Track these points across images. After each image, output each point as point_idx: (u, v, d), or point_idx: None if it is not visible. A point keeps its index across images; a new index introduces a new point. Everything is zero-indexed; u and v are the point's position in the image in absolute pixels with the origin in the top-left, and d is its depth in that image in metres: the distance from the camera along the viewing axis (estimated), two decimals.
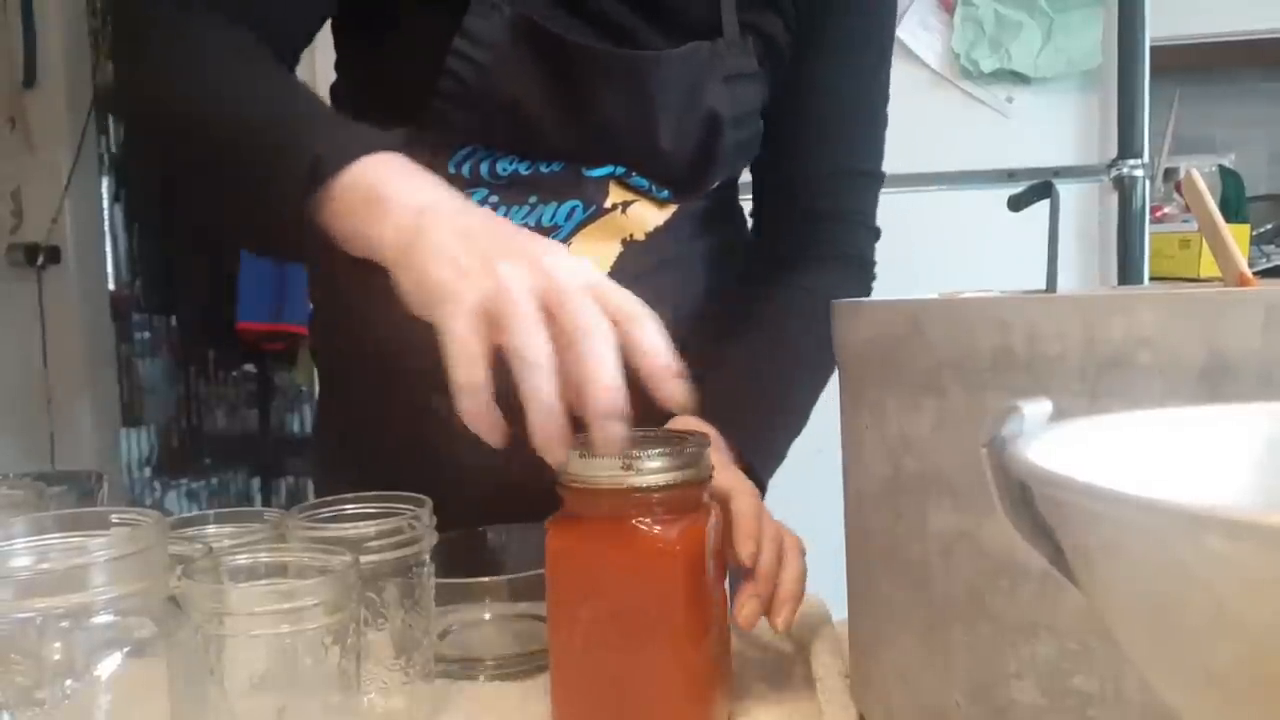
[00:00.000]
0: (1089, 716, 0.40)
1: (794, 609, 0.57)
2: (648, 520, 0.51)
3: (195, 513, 0.57)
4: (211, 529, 0.56)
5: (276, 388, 2.54)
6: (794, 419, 0.79)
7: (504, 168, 0.75)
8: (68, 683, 0.40)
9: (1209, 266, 1.82)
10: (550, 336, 0.47)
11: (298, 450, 2.58)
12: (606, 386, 0.46)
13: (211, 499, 2.71)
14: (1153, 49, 1.72)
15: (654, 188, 0.78)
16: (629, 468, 0.50)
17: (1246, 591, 0.20)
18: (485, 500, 0.71)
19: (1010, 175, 1.77)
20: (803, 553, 0.61)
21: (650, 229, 0.79)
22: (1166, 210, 2.06)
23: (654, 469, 0.50)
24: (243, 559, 0.48)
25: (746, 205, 0.91)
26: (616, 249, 0.78)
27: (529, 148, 0.75)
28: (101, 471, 0.68)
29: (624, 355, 0.49)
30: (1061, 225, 0.62)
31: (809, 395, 0.80)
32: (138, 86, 0.66)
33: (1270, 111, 2.40)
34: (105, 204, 2.62)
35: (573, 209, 0.76)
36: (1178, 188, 2.02)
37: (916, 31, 1.78)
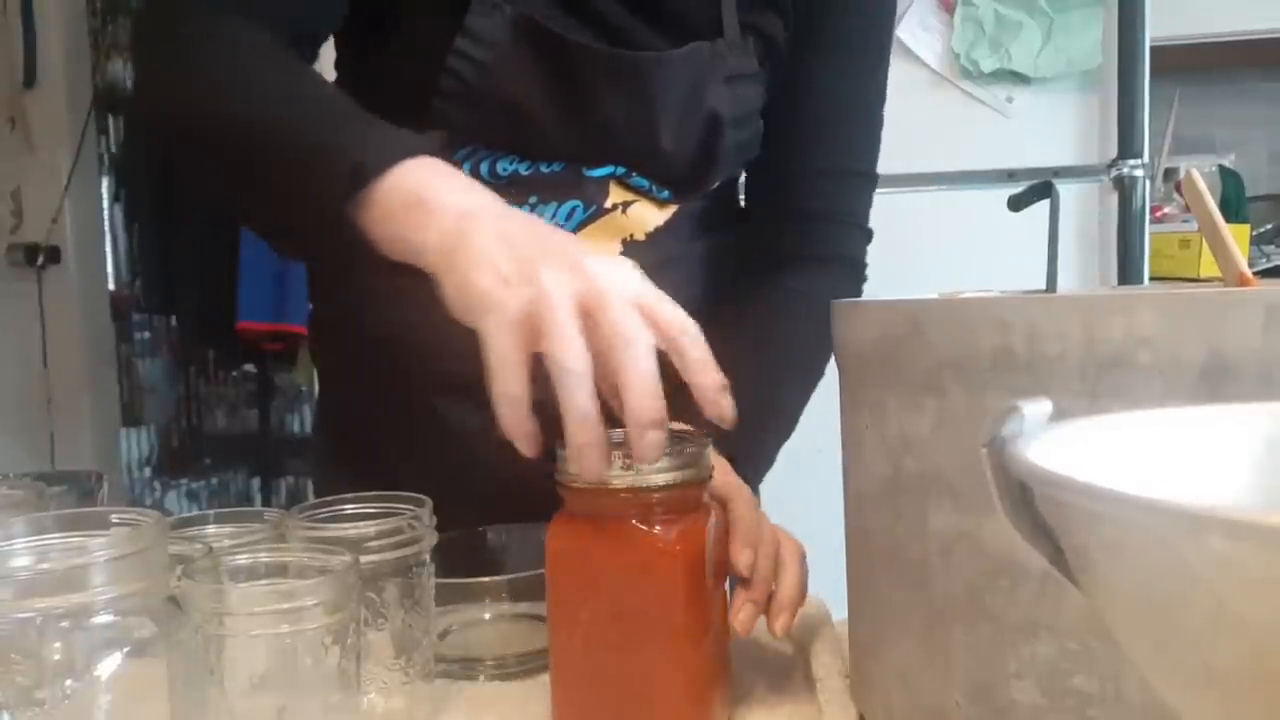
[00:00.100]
0: (1089, 716, 0.40)
1: (792, 614, 0.57)
2: (648, 520, 0.51)
3: (195, 513, 0.57)
4: (211, 529, 0.56)
5: (276, 388, 2.53)
6: (783, 424, 0.79)
7: (504, 168, 0.75)
8: (68, 683, 0.40)
9: (1209, 266, 1.82)
10: (590, 343, 0.47)
11: (298, 450, 2.58)
12: (647, 396, 0.47)
13: (211, 499, 2.71)
14: (1153, 49, 1.72)
15: (654, 188, 0.78)
16: (629, 468, 0.50)
17: (1246, 591, 0.20)
18: (485, 500, 0.71)
19: (1010, 175, 1.77)
20: (802, 558, 0.60)
21: (650, 229, 0.79)
22: (1166, 210, 2.06)
23: (655, 468, 0.50)
24: (243, 559, 0.48)
25: None
26: (617, 249, 0.78)
27: (529, 147, 0.75)
28: (101, 471, 0.68)
29: (671, 367, 0.49)
30: (1061, 225, 0.62)
31: (798, 400, 0.80)
32: (168, 89, 0.65)
33: (1270, 111, 2.40)
34: (105, 204, 2.62)
35: (573, 209, 0.76)
36: (1178, 188, 2.02)
37: (916, 31, 1.78)
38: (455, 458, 0.77)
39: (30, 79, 2.44)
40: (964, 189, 1.80)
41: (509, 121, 0.73)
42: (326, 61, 0.81)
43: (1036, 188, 0.64)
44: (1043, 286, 0.59)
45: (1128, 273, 1.74)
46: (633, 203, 0.78)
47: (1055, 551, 0.28)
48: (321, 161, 0.55)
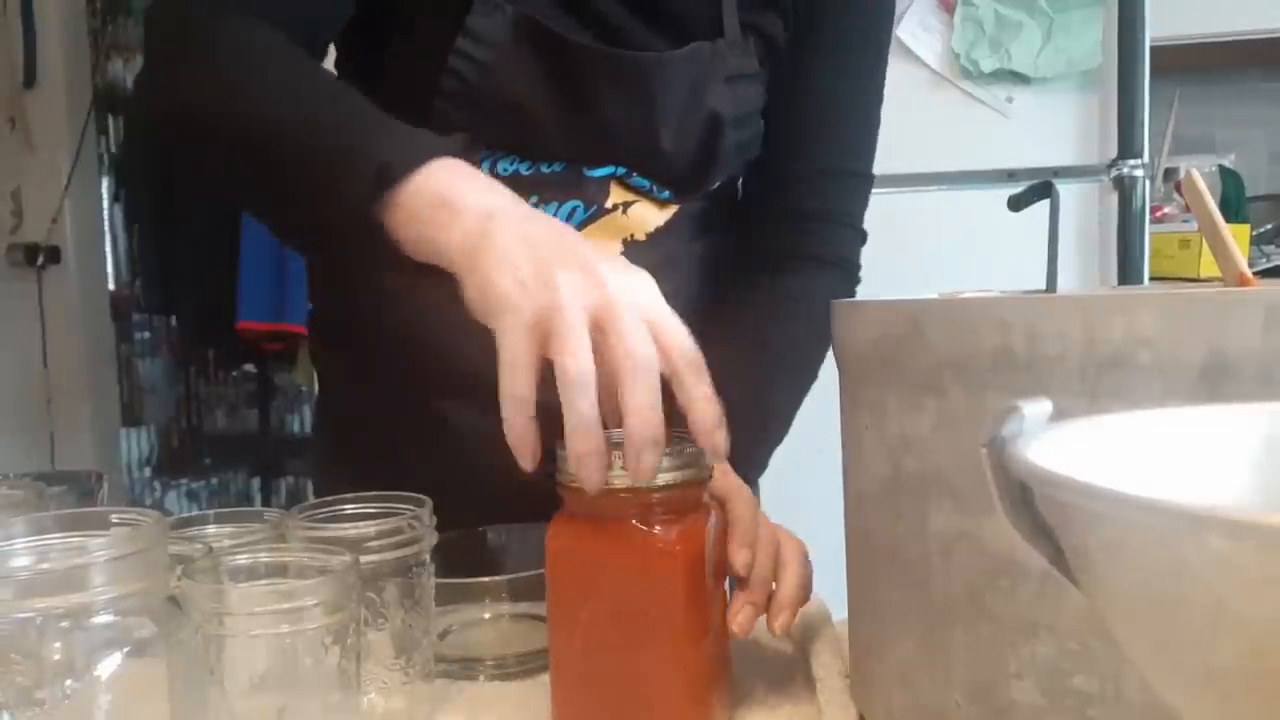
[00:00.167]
0: (1089, 716, 0.40)
1: (792, 614, 0.57)
2: (647, 520, 0.51)
3: (195, 513, 0.57)
4: (211, 529, 0.56)
5: (276, 388, 2.54)
6: (776, 427, 0.79)
7: (505, 168, 0.75)
8: (68, 683, 0.40)
9: (1209, 266, 1.82)
10: (598, 353, 0.48)
11: (298, 450, 2.58)
12: (647, 417, 0.47)
13: (211, 499, 2.71)
14: (1153, 49, 1.72)
15: (655, 188, 0.78)
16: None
17: (1246, 591, 0.20)
18: (485, 500, 0.71)
19: (1010, 175, 1.77)
20: (804, 557, 0.60)
21: (651, 229, 0.79)
22: (1166, 210, 2.06)
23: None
24: (243, 559, 0.48)
25: None
26: (617, 249, 0.78)
27: (530, 147, 0.75)
28: (101, 471, 0.68)
29: (671, 394, 0.50)
30: (1061, 225, 0.62)
31: (791, 403, 0.80)
32: (184, 90, 0.65)
33: (1270, 111, 2.40)
34: (105, 204, 2.63)
35: (574, 209, 0.76)
36: (1178, 188, 2.02)
37: (916, 31, 1.78)
38: (455, 457, 0.77)
39: (30, 79, 2.44)
40: (964, 189, 1.80)
41: (510, 121, 0.73)
42: (325, 62, 0.81)
43: (1036, 188, 0.64)
44: (1043, 286, 0.59)
45: (1128, 273, 1.74)
46: (633, 203, 0.78)
47: (1055, 551, 0.28)
48: (346, 164, 0.55)
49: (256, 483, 2.66)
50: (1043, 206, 0.63)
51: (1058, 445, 0.27)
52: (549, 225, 0.54)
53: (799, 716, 0.56)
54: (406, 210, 0.54)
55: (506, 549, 0.73)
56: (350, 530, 0.53)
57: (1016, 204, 0.67)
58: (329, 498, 0.56)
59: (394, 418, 0.81)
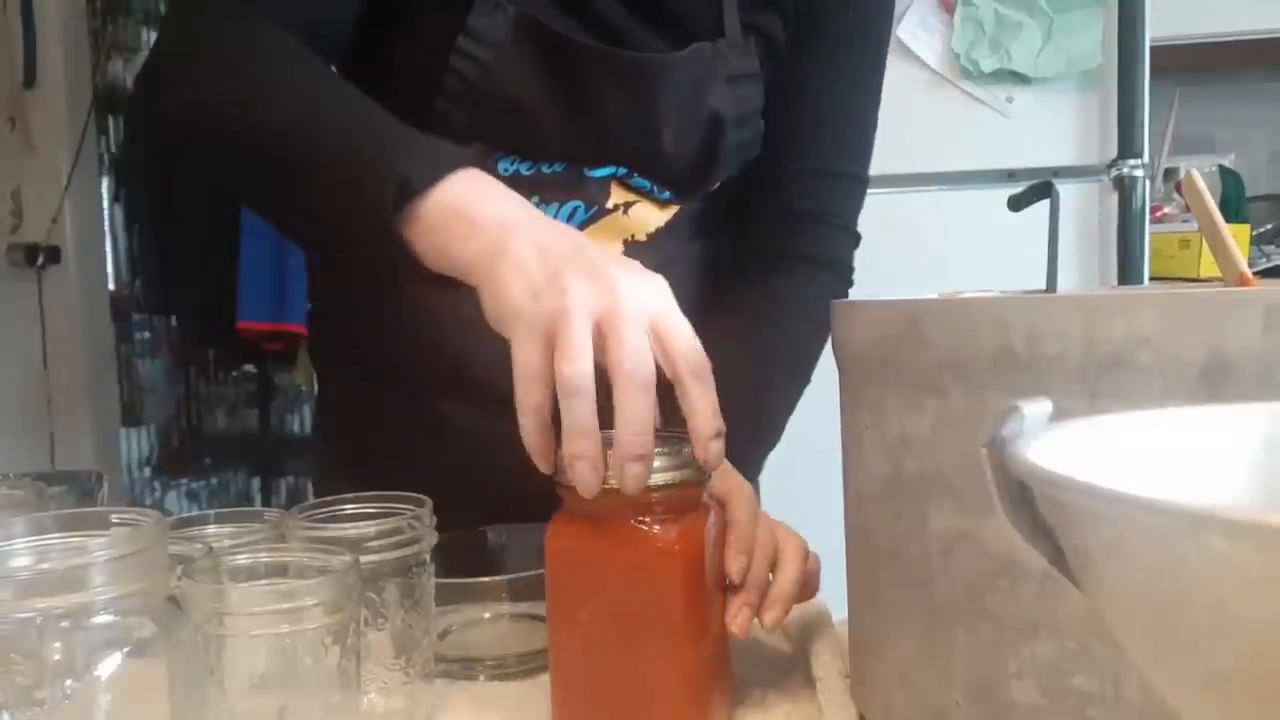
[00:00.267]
0: (1089, 716, 0.40)
1: (783, 609, 0.57)
2: (647, 520, 0.51)
3: (195, 513, 0.57)
4: (211, 529, 0.56)
5: (276, 388, 2.53)
6: (769, 430, 0.79)
7: (505, 168, 0.75)
8: (68, 683, 0.40)
9: (1209, 266, 1.82)
10: (601, 359, 0.48)
11: (298, 450, 2.58)
12: (635, 432, 0.48)
13: (211, 499, 2.71)
14: (1153, 49, 1.73)
15: (655, 189, 0.78)
16: None
17: (1246, 591, 0.20)
18: (485, 500, 0.71)
19: (1010, 175, 1.77)
20: (802, 554, 0.60)
21: (652, 229, 0.79)
22: (1166, 210, 2.06)
23: (655, 468, 0.50)
24: (243, 559, 0.48)
25: None
26: (618, 250, 0.78)
27: (531, 147, 0.75)
28: (101, 471, 0.68)
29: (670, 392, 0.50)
30: (1061, 225, 0.62)
31: (784, 406, 0.80)
32: (201, 96, 0.65)
33: (1270, 111, 2.40)
34: (105, 204, 2.62)
35: (574, 209, 0.76)
36: (1178, 188, 2.02)
37: (916, 31, 1.78)
38: (455, 458, 0.77)
39: (30, 79, 2.44)
40: (964, 189, 1.80)
41: (511, 121, 0.73)
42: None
43: (1036, 188, 0.64)
44: (1043, 286, 0.60)
45: (1128, 273, 1.74)
46: (634, 203, 0.78)
47: (1055, 551, 0.28)
48: (366, 176, 0.55)
49: (256, 483, 2.66)
50: (1043, 206, 0.63)
51: (1058, 445, 0.27)
52: (565, 233, 0.54)
53: (799, 716, 0.56)
54: (425, 223, 0.55)
55: (506, 549, 0.73)
56: (350, 530, 0.53)
57: (1016, 204, 0.67)
58: (329, 498, 0.56)
59: (394, 418, 0.81)
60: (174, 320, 2.56)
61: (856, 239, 0.86)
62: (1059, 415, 0.29)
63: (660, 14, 0.75)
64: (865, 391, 0.49)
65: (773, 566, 0.59)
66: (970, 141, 1.79)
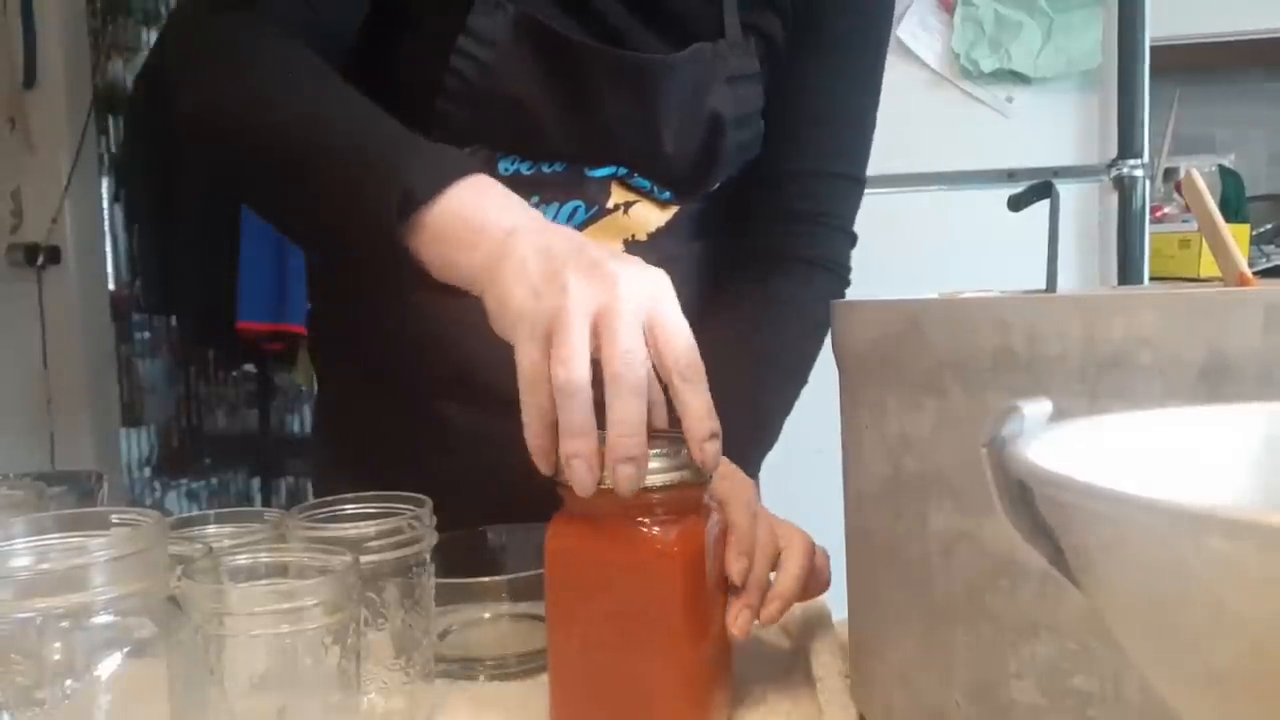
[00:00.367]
0: (1089, 716, 0.40)
1: (781, 605, 0.57)
2: (647, 521, 0.51)
3: (195, 513, 0.57)
4: (211, 529, 0.56)
5: (276, 388, 2.53)
6: (766, 431, 0.79)
7: (505, 167, 0.75)
8: (68, 683, 0.40)
9: (1209, 266, 1.82)
10: (598, 356, 0.48)
11: (298, 450, 2.58)
12: (624, 432, 0.48)
13: (211, 499, 2.71)
14: (1153, 49, 1.73)
15: (656, 189, 0.78)
16: None
17: (1246, 591, 0.20)
18: (485, 500, 0.71)
19: (1010, 175, 1.78)
20: (807, 553, 0.60)
21: (652, 230, 0.79)
22: (1166, 210, 2.06)
23: (653, 469, 0.50)
24: (243, 559, 0.48)
25: None
26: (619, 250, 0.78)
27: (531, 147, 0.75)
28: (101, 471, 0.68)
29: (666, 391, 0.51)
30: (1061, 225, 0.62)
31: (782, 407, 0.80)
32: (208, 101, 0.65)
33: (1270, 111, 2.40)
34: (105, 204, 2.62)
35: (575, 209, 0.76)
36: (1178, 188, 2.02)
37: (916, 31, 1.78)
38: (455, 458, 0.77)
39: (30, 79, 2.44)
40: (964, 189, 1.80)
41: (511, 121, 0.73)
42: None
43: (1036, 188, 0.64)
44: (1043, 286, 0.60)
45: (1128, 273, 1.74)
46: (634, 203, 0.78)
47: (1055, 551, 0.28)
48: (372, 187, 0.55)
49: (256, 483, 2.66)
50: (1043, 206, 0.63)
51: (1058, 445, 0.27)
52: (566, 235, 0.54)
53: (799, 716, 0.56)
54: (431, 232, 0.55)
55: (506, 549, 0.73)
56: (350, 530, 0.53)
57: (1016, 204, 0.67)
58: (329, 498, 0.56)
59: (394, 418, 0.81)
60: (174, 320, 2.56)
61: (853, 240, 0.86)
62: (1059, 415, 0.29)
63: (660, 14, 0.75)
64: (865, 391, 0.49)
65: (775, 565, 0.59)
66: (970, 141, 1.79)
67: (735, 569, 0.55)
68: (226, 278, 2.08)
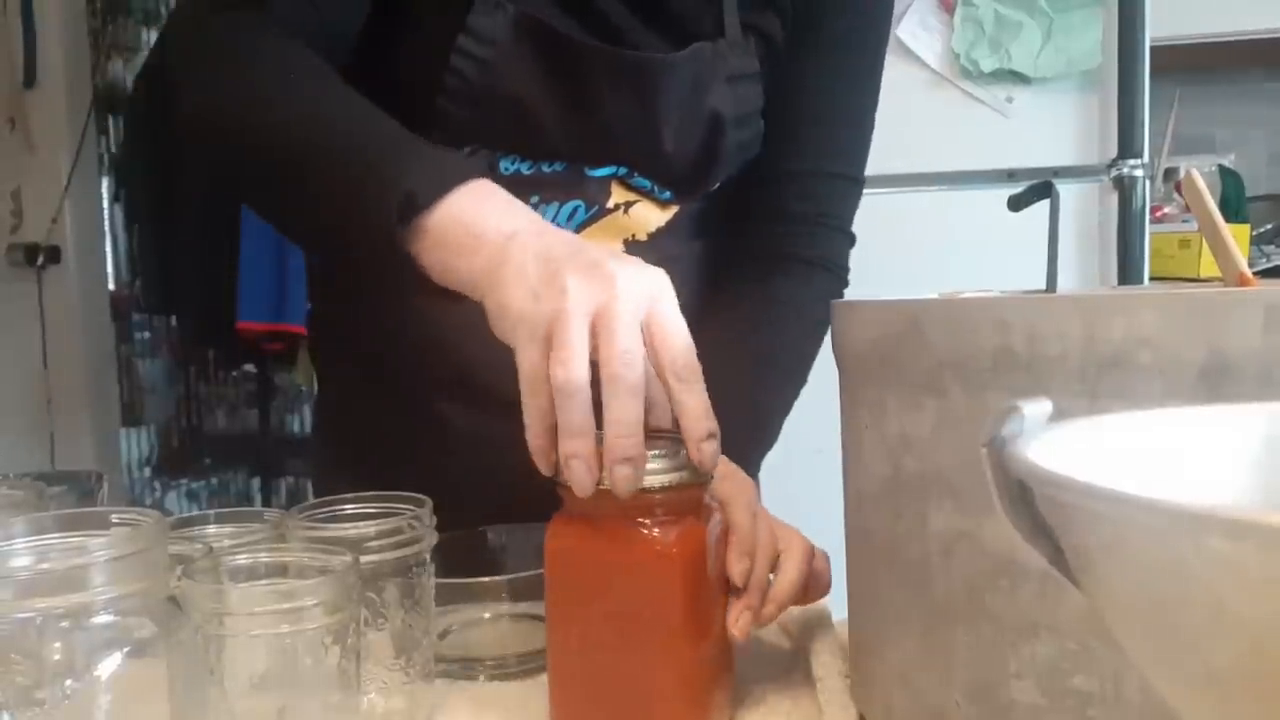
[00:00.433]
0: (1089, 716, 0.40)
1: (779, 607, 0.57)
2: (646, 522, 0.51)
3: (195, 513, 0.57)
4: (211, 529, 0.56)
5: (276, 388, 2.53)
6: (766, 431, 0.79)
7: (506, 167, 0.75)
8: (68, 683, 0.40)
9: (1209, 266, 1.82)
10: (596, 357, 0.48)
11: (298, 450, 2.58)
12: (620, 432, 0.48)
13: (211, 499, 2.71)
14: (1153, 49, 1.73)
15: (656, 188, 0.78)
16: None
17: (1246, 591, 0.20)
18: (485, 500, 0.71)
19: (1010, 175, 1.77)
20: (806, 556, 0.60)
21: (652, 229, 0.79)
22: (1166, 210, 2.06)
23: (653, 470, 0.50)
24: (243, 559, 0.48)
25: None
26: (619, 250, 0.78)
27: (531, 147, 0.75)
28: (101, 471, 0.68)
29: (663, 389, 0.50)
30: (1061, 225, 0.62)
31: (781, 407, 0.80)
32: (211, 102, 0.65)
33: (1270, 111, 2.40)
34: (105, 204, 2.62)
35: (575, 209, 0.76)
36: (1178, 188, 2.02)
37: (916, 31, 1.78)
38: (455, 458, 0.77)
39: (30, 79, 2.44)
40: (964, 189, 1.80)
41: (511, 120, 0.73)
42: None
43: (1036, 188, 0.64)
44: (1043, 286, 0.60)
45: (1128, 273, 1.74)
46: (635, 203, 0.78)
47: (1055, 551, 0.28)
48: (372, 191, 0.55)
49: (256, 483, 2.66)
50: (1043, 206, 0.63)
51: (1058, 445, 0.27)
52: (566, 238, 0.54)
53: (799, 716, 0.56)
54: (431, 237, 0.55)
55: (506, 549, 0.73)
56: (350, 530, 0.53)
57: (1016, 204, 0.67)
58: (329, 498, 0.56)
59: (394, 418, 0.81)
60: (174, 320, 2.56)
61: (852, 240, 0.86)
62: (1059, 415, 0.29)
63: (661, 14, 0.75)
64: (865, 391, 0.49)
65: (774, 567, 0.59)
66: (970, 141, 1.79)
67: (737, 570, 0.55)
68: (226, 278, 2.08)
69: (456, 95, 0.72)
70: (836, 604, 0.61)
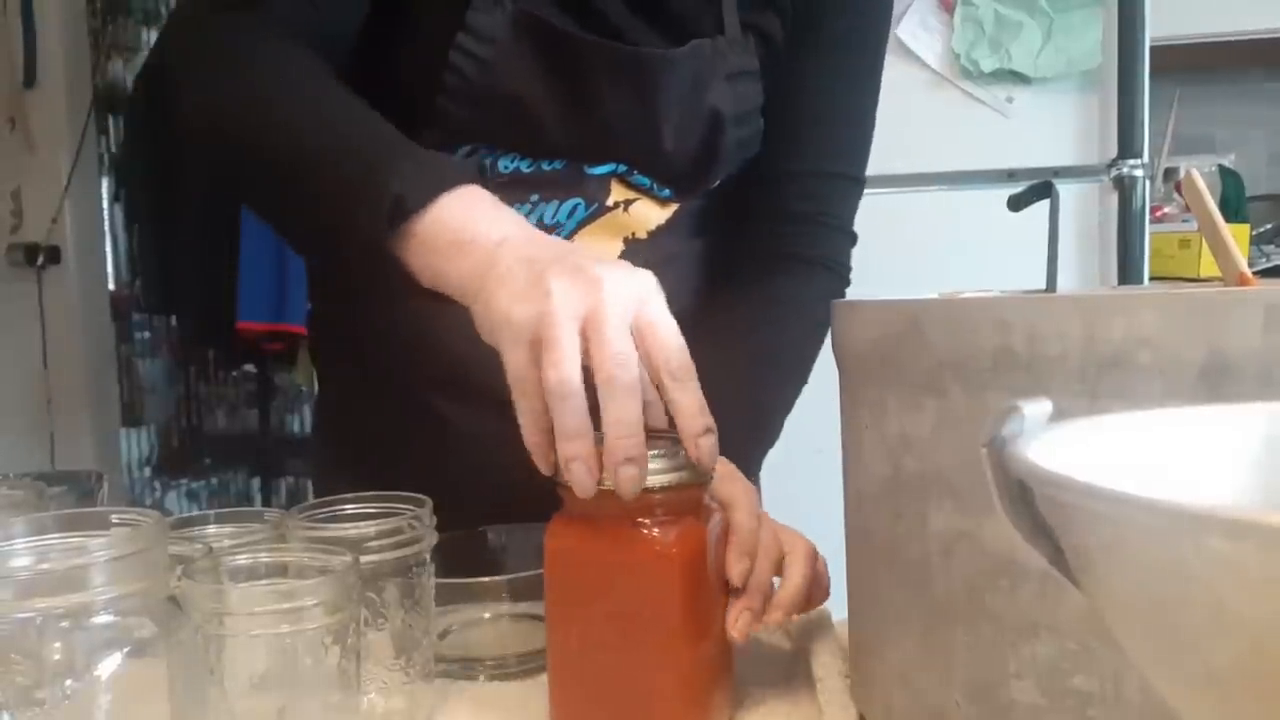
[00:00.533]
0: (1089, 716, 0.40)
1: (785, 612, 0.57)
2: (647, 522, 0.51)
3: (195, 513, 0.57)
4: (211, 529, 0.56)
5: (276, 388, 2.53)
6: (767, 431, 0.79)
7: (505, 165, 0.75)
8: (68, 683, 0.40)
9: (1209, 266, 1.82)
10: (588, 359, 0.48)
11: (298, 450, 2.58)
12: (624, 435, 0.48)
13: (211, 499, 2.71)
14: (1153, 49, 1.73)
15: (656, 186, 0.78)
16: None
17: (1246, 591, 0.20)
18: (484, 500, 0.71)
19: (1010, 175, 1.77)
20: (809, 559, 0.60)
21: (652, 227, 0.79)
22: (1166, 210, 2.06)
23: (653, 470, 0.50)
24: (243, 559, 0.48)
25: None
26: (619, 248, 0.78)
27: (531, 145, 0.75)
28: (101, 471, 0.68)
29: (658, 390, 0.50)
30: (1061, 225, 0.62)
31: (782, 406, 0.80)
32: (209, 103, 0.65)
33: (1270, 111, 2.40)
34: (105, 204, 2.62)
35: (574, 207, 0.76)
36: (1178, 188, 2.02)
37: (916, 31, 1.78)
38: (455, 458, 0.77)
39: (30, 79, 2.44)
40: (964, 189, 1.80)
41: (510, 118, 0.74)
42: None
43: (1036, 188, 0.64)
44: (1043, 286, 0.60)
45: (1128, 273, 1.74)
46: (634, 201, 0.78)
47: (1055, 551, 0.28)
48: (362, 193, 0.56)
49: (256, 483, 2.66)
50: (1043, 206, 0.63)
51: (1058, 445, 0.27)
52: (555, 244, 0.54)
53: (799, 717, 0.56)
54: (420, 242, 0.55)
55: (506, 549, 0.73)
56: (350, 530, 0.53)
57: (1016, 204, 0.67)
58: (329, 498, 0.56)
59: (393, 418, 0.81)
60: (174, 320, 2.56)
61: (853, 239, 0.86)
62: (1059, 415, 0.29)
63: (660, 13, 0.75)
64: (865, 391, 0.49)
65: (777, 570, 0.59)
66: (970, 141, 1.79)
67: (736, 570, 0.55)
68: (226, 278, 2.08)
69: (456, 94, 0.72)
70: (836, 604, 0.61)
